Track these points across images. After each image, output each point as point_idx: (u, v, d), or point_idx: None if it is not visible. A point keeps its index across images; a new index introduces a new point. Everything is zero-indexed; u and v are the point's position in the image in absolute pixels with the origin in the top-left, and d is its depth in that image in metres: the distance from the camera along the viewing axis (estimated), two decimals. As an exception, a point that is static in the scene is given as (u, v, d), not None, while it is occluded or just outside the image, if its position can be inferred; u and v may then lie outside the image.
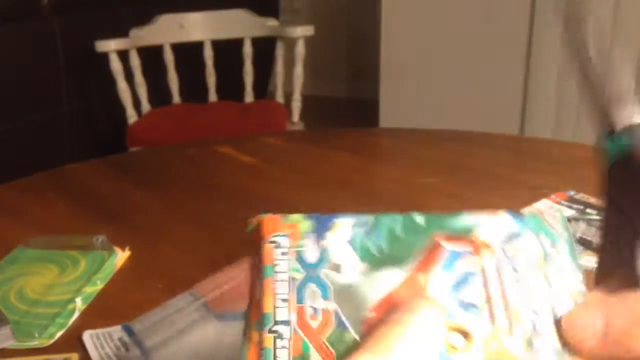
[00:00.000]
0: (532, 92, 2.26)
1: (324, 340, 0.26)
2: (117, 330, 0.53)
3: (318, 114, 2.88)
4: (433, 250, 0.28)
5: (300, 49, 2.11)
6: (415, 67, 2.46)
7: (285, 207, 0.78)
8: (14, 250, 0.68)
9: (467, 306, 0.27)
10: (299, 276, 0.27)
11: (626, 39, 2.07)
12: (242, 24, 2.20)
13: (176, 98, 2.25)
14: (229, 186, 0.91)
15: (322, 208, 0.79)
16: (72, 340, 0.54)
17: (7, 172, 1.06)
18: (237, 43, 2.20)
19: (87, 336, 0.53)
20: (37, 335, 0.54)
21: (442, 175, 0.91)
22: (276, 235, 0.28)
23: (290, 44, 2.14)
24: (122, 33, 2.08)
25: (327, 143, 1.11)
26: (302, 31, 2.11)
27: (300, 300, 0.27)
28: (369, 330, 0.26)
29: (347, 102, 4.10)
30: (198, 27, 2.20)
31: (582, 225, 0.76)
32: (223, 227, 0.75)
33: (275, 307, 0.27)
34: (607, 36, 0.28)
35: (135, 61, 2.09)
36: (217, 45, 2.21)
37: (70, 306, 0.58)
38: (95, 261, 0.65)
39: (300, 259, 0.28)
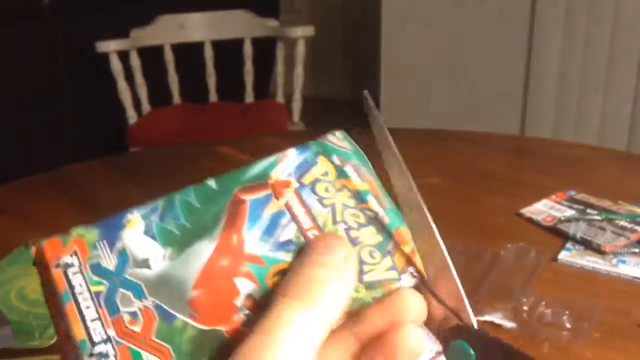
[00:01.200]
0: (532, 92, 2.26)
1: (153, 338, 0.25)
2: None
3: (318, 114, 2.88)
4: (236, 208, 0.28)
5: (300, 49, 2.11)
6: (416, 68, 2.46)
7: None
8: (15, 251, 0.68)
9: (284, 245, 0.27)
10: (103, 288, 0.26)
11: (627, 38, 2.07)
12: (242, 24, 2.20)
13: (176, 98, 2.24)
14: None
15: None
16: (73, 341, 0.54)
17: (7, 172, 1.06)
18: (237, 43, 2.20)
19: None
20: (37, 335, 0.54)
21: (444, 176, 0.91)
22: (61, 258, 0.26)
23: (291, 44, 2.14)
24: (123, 33, 2.08)
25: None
26: (302, 31, 2.10)
27: (113, 311, 0.25)
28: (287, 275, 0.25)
29: (348, 103, 4.10)
30: (198, 27, 2.20)
31: (582, 225, 0.75)
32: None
33: (88, 330, 0.25)
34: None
35: (135, 61, 2.09)
36: (217, 45, 2.21)
37: (71, 306, 0.58)
38: (95, 261, 0.65)
39: (97, 270, 0.26)
